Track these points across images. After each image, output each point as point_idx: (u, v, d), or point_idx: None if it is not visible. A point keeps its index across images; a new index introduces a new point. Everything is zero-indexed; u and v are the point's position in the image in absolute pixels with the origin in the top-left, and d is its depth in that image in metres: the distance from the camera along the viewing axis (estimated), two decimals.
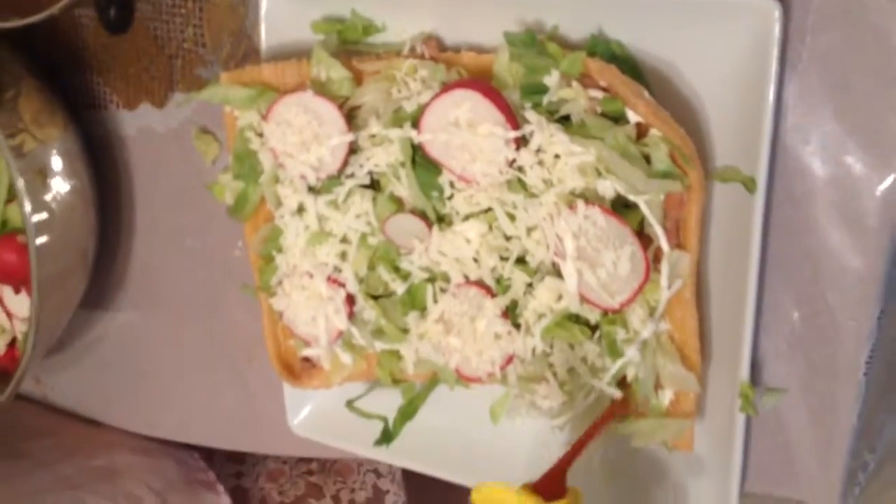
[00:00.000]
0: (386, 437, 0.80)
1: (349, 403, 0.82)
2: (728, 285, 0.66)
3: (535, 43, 0.66)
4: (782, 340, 0.68)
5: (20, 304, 0.93)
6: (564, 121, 0.65)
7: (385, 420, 0.81)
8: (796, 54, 0.64)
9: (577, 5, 0.67)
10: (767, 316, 0.67)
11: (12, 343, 0.98)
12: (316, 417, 0.85)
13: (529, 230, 0.68)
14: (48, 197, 0.84)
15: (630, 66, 0.67)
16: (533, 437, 0.76)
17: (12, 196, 0.89)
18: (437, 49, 0.72)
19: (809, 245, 0.66)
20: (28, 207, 0.80)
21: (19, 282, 0.91)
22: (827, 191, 0.65)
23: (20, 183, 0.80)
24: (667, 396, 0.69)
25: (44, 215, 0.82)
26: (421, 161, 0.69)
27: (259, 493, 1.05)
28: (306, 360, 0.82)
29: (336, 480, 1.04)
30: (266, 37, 0.77)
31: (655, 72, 0.67)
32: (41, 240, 0.82)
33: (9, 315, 0.96)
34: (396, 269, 0.74)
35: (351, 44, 0.75)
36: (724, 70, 0.64)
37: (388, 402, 0.81)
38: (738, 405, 0.65)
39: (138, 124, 0.89)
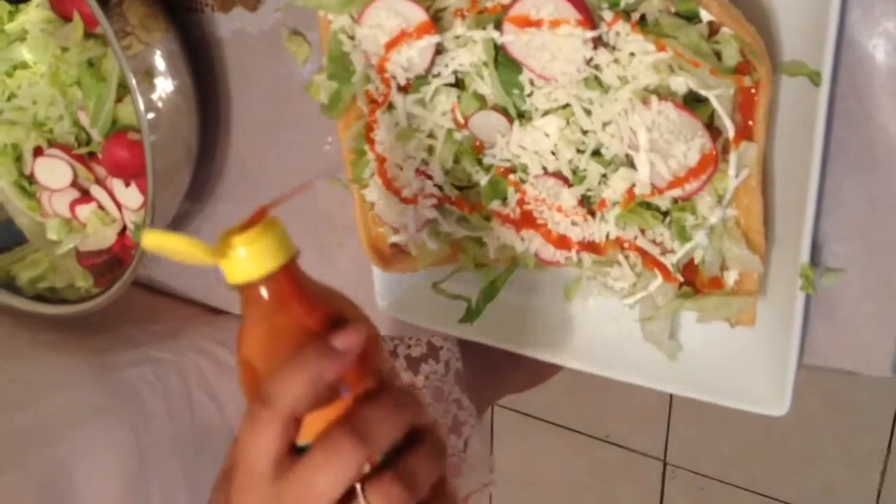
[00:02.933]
0: (470, 315, 0.87)
1: (435, 285, 0.89)
2: (792, 172, 0.70)
3: None
4: (842, 223, 0.72)
5: (130, 196, 1.01)
6: (640, 20, 0.69)
7: (469, 300, 0.87)
8: None
9: None
10: (828, 201, 0.72)
11: (122, 231, 1.06)
12: (404, 298, 0.92)
13: (605, 124, 0.73)
14: (155, 96, 0.90)
15: None
16: (605, 313, 0.82)
17: (121, 96, 0.97)
18: None
19: (870, 134, 0.69)
20: (141, 105, 0.87)
21: (130, 175, 0.99)
22: (889, 81, 0.68)
23: (132, 82, 0.86)
24: (732, 277, 0.74)
25: (152, 114, 0.89)
26: (503, 60, 0.74)
27: None
28: (395, 245, 0.89)
29: (393, 337, 1.09)
30: None
31: None
32: (152, 137, 0.88)
33: (119, 206, 1.04)
34: (479, 162, 0.79)
35: None
36: None
37: (470, 284, 0.87)
38: (799, 284, 0.71)
39: (232, 27, 0.94)
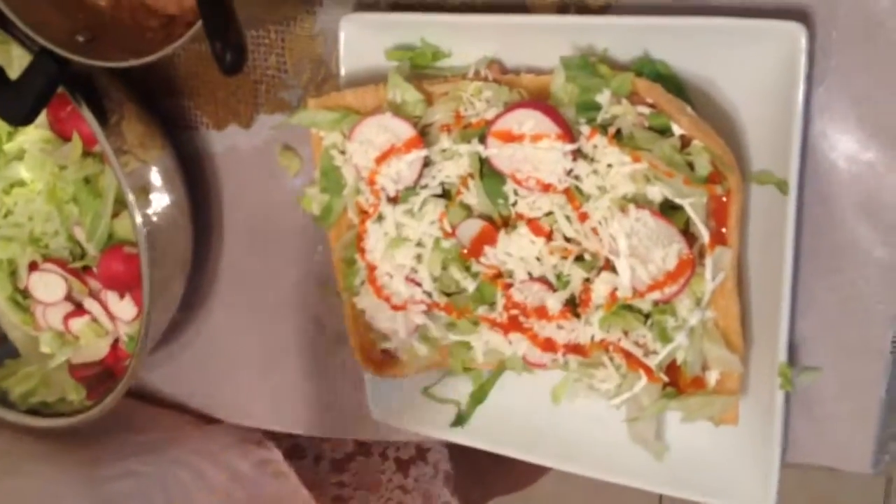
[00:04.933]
0: (459, 419, 0.89)
1: (425, 390, 0.91)
2: (766, 276, 0.74)
3: (587, 65, 0.74)
4: (816, 324, 0.75)
5: (125, 308, 1.03)
6: (616, 134, 0.73)
7: (458, 404, 0.89)
8: (822, 69, 0.72)
9: (626, 31, 0.75)
10: (802, 302, 0.75)
11: (115, 343, 1.08)
12: (395, 404, 0.93)
13: (586, 232, 0.76)
14: (151, 210, 0.93)
15: (674, 83, 0.74)
16: (592, 415, 0.83)
17: (117, 211, 0.99)
18: (499, 72, 0.80)
19: (838, 239, 0.73)
20: (139, 220, 0.89)
21: (125, 288, 1.01)
22: (853, 189, 0.73)
23: (130, 199, 0.89)
24: (713, 376, 0.76)
25: (148, 228, 0.91)
26: (488, 172, 0.78)
27: (314, 451, 1.13)
28: (385, 351, 0.91)
29: (380, 441, 1.10)
30: (344, 64, 0.86)
31: (697, 89, 0.75)
32: (148, 250, 0.91)
33: (112, 318, 1.05)
34: (467, 269, 0.82)
35: (421, 68, 0.83)
36: (758, 85, 0.72)
37: (460, 388, 0.89)
38: (778, 383, 0.73)
39: (226, 143, 0.98)
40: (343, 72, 0.86)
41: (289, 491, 1.03)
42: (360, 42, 0.85)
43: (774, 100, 0.71)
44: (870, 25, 0.70)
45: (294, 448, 1.11)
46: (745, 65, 0.72)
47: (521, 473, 1.43)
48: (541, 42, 0.78)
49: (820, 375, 0.76)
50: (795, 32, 0.68)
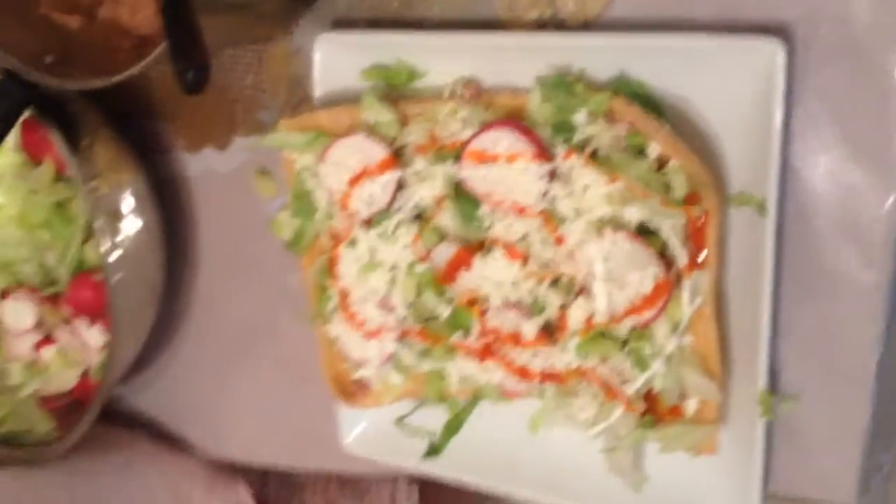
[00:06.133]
0: (433, 449, 0.86)
1: (398, 420, 0.88)
2: (745, 300, 0.72)
3: (564, 84, 0.73)
4: (798, 348, 0.73)
5: (94, 335, 1.00)
6: (592, 155, 0.72)
7: (432, 435, 0.87)
8: (801, 88, 0.70)
9: (604, 50, 0.74)
10: (783, 326, 0.73)
11: (85, 373, 1.05)
12: (368, 435, 0.90)
13: (562, 256, 0.74)
14: (121, 236, 0.91)
15: (650, 103, 0.73)
16: (570, 444, 0.81)
17: (87, 236, 0.98)
18: (475, 91, 0.79)
19: (820, 260, 0.72)
20: (104, 247, 0.87)
21: (94, 315, 0.98)
22: (834, 210, 0.71)
23: (98, 224, 0.87)
24: (691, 405, 0.74)
25: (118, 253, 0.90)
26: (462, 194, 0.76)
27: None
28: (358, 381, 0.88)
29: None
30: (319, 84, 0.84)
31: (674, 108, 0.73)
32: (116, 277, 0.89)
33: (83, 346, 1.03)
34: (441, 294, 0.80)
35: (397, 89, 0.82)
36: (737, 105, 0.70)
37: (434, 418, 0.87)
38: (758, 411, 0.71)
39: (202, 166, 0.97)
40: (318, 92, 0.85)
41: None
42: (336, 62, 0.84)
43: (753, 119, 0.70)
44: (850, 43, 0.69)
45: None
46: (724, 83, 0.71)
47: None
48: (518, 61, 0.77)
49: (801, 403, 0.74)
50: (774, 50, 0.67)
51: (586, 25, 0.77)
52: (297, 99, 0.90)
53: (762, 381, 0.71)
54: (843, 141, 0.70)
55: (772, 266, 0.69)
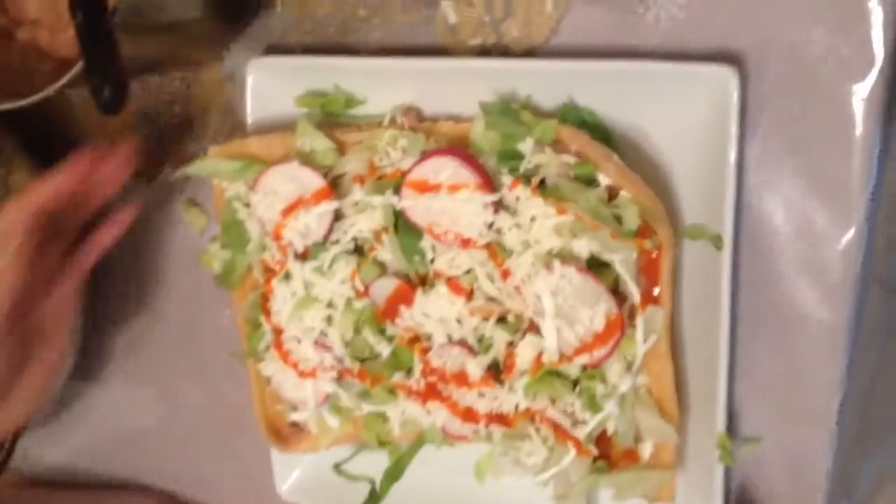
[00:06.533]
0: (373, 498, 0.81)
1: (336, 467, 0.84)
2: (702, 337, 0.69)
3: (509, 112, 0.70)
4: (756, 390, 0.70)
5: None
6: (539, 185, 0.69)
7: (372, 482, 0.82)
8: (756, 119, 0.68)
9: (550, 76, 0.71)
10: (741, 366, 0.70)
11: None
12: (304, 482, 0.86)
13: (509, 291, 0.70)
14: None
15: (600, 132, 0.70)
16: (519, 492, 0.77)
17: None
18: (416, 119, 0.75)
19: (777, 297, 0.69)
20: None
21: None
22: (791, 245, 0.68)
23: None
24: (647, 449, 0.71)
25: None
26: (403, 226, 0.72)
27: None
28: (294, 424, 0.84)
29: None
30: (251, 112, 0.80)
31: (625, 137, 0.71)
32: None
33: None
34: (381, 332, 0.76)
35: (334, 116, 0.78)
36: (689, 133, 0.68)
37: (375, 463, 0.82)
38: (717, 455, 0.67)
39: (128, 198, 0.91)
40: (251, 120, 0.80)
41: None
42: (270, 88, 0.79)
43: (706, 148, 0.67)
44: (803, 74, 0.66)
45: None
46: (676, 111, 0.68)
47: None
48: (461, 87, 0.74)
49: (761, 446, 0.71)
50: (726, 76, 0.64)
51: (531, 53, 0.74)
52: (228, 128, 0.85)
53: (721, 424, 0.67)
54: (800, 174, 0.68)
55: (729, 302, 0.67)
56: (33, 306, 0.72)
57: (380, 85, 0.77)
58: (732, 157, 0.65)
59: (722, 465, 0.68)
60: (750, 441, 0.70)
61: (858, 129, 0.65)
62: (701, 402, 0.69)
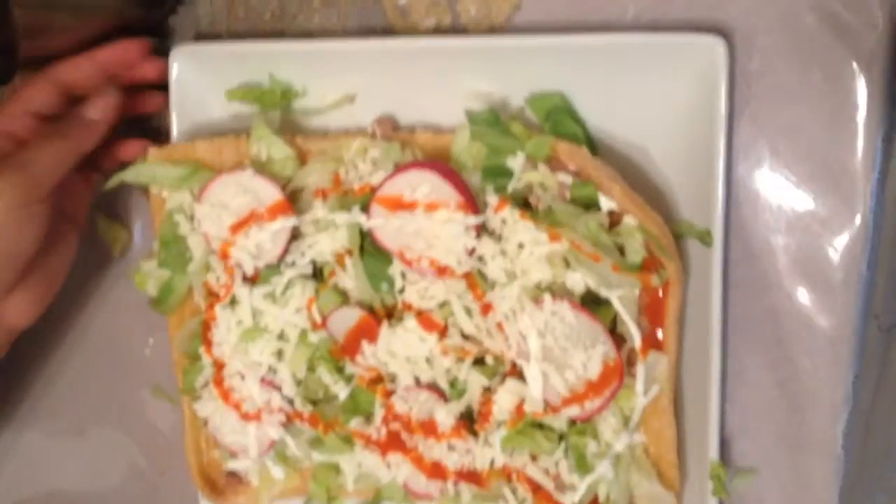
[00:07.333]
0: None
1: None
2: (691, 353, 0.64)
3: (498, 122, 0.66)
4: (753, 412, 0.65)
5: None
6: (529, 206, 0.63)
7: None
8: (744, 99, 0.64)
9: (514, 55, 0.67)
10: (734, 385, 0.65)
11: None
12: None
13: (489, 328, 0.65)
14: None
15: (575, 119, 0.67)
16: None
17: None
18: (390, 128, 0.70)
19: (773, 304, 0.65)
20: None
21: None
22: (786, 245, 0.64)
23: None
24: None
25: None
26: (370, 249, 0.67)
27: None
28: (232, 474, 0.77)
29: None
30: (175, 107, 0.73)
31: (600, 127, 0.67)
32: None
33: None
34: (339, 370, 0.70)
35: (273, 111, 0.73)
36: (672, 117, 0.66)
37: None
38: (710, 488, 0.63)
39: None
40: (175, 118, 0.73)
41: None
42: (196, 79, 0.73)
43: (691, 133, 0.64)
44: (796, 46, 0.63)
45: None
46: (656, 92, 0.65)
47: None
48: (414, 74, 0.69)
49: (756, 478, 0.65)
50: (713, 46, 0.61)
51: (492, 33, 0.70)
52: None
53: (713, 450, 0.62)
54: (793, 163, 0.64)
55: (720, 310, 0.62)
56: (64, 180, 0.71)
57: (321, 73, 0.72)
58: (721, 144, 0.61)
59: (715, 499, 0.63)
60: (744, 472, 0.65)
61: (860, 109, 0.61)
62: (692, 429, 0.65)
